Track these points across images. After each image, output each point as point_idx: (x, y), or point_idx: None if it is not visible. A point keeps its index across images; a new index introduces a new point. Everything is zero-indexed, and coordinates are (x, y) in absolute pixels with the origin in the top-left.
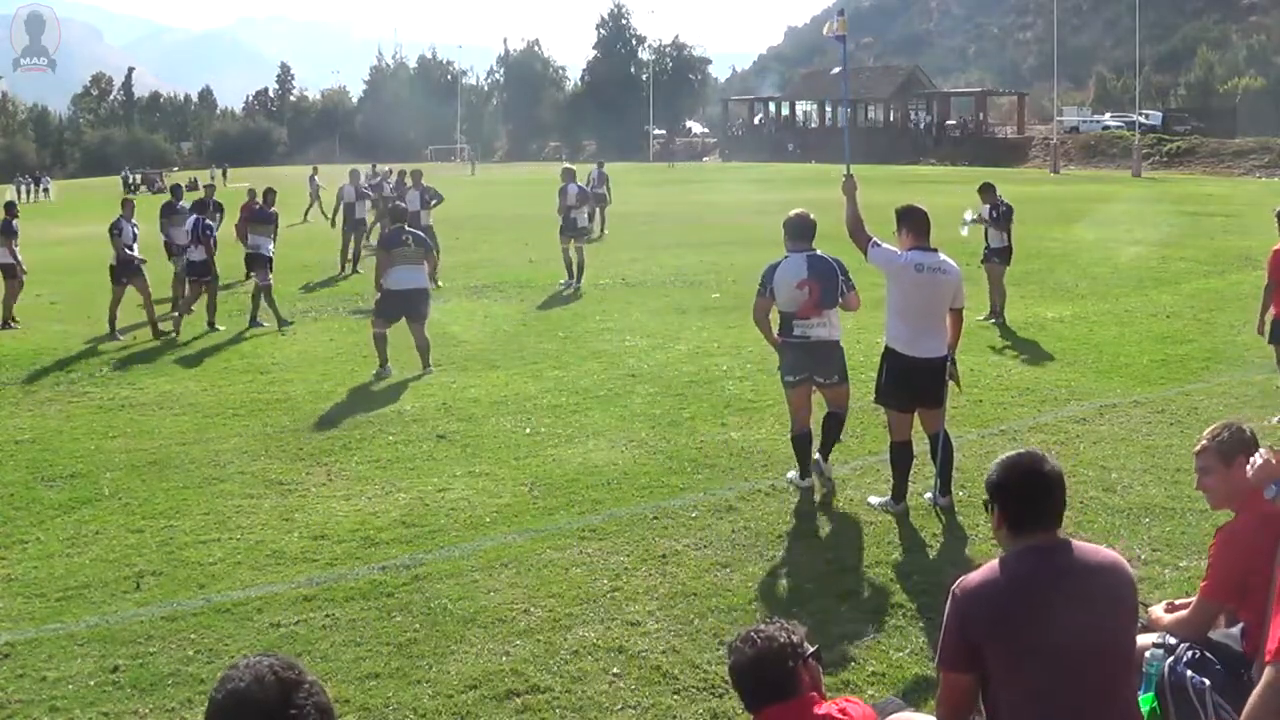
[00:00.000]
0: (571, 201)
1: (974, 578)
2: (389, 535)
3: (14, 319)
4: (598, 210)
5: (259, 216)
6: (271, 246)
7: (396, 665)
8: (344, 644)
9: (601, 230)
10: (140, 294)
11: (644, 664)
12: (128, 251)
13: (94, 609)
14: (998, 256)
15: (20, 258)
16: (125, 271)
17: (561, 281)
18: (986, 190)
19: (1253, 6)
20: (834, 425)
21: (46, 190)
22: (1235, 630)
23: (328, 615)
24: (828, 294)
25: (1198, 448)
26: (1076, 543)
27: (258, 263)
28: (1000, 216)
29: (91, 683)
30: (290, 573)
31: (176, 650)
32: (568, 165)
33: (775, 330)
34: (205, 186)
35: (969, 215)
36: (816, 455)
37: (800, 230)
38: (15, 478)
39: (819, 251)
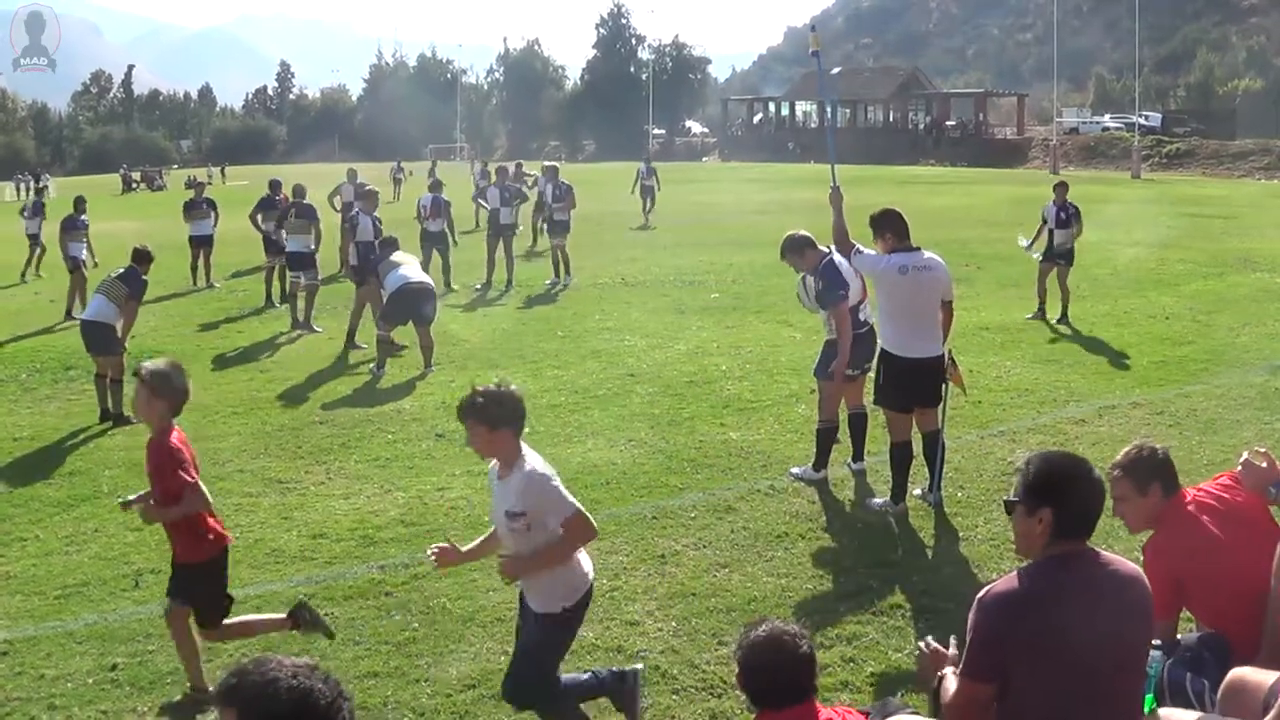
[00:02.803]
0: (549, 199)
1: (1002, 587)
2: (388, 534)
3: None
4: (646, 200)
5: (303, 213)
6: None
7: (395, 664)
8: (343, 643)
9: (646, 220)
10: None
11: (643, 664)
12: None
13: (93, 607)
14: (1063, 258)
15: (85, 253)
16: (370, 271)
17: (548, 280)
18: (1061, 188)
19: (1252, 8)
20: (863, 425)
21: (45, 188)
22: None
23: (327, 614)
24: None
25: (1112, 475)
26: (1102, 552)
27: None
28: (1069, 217)
29: (90, 680)
30: (289, 571)
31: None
32: (550, 164)
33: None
34: (197, 184)
35: (1023, 242)
36: (850, 462)
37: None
38: (15, 475)
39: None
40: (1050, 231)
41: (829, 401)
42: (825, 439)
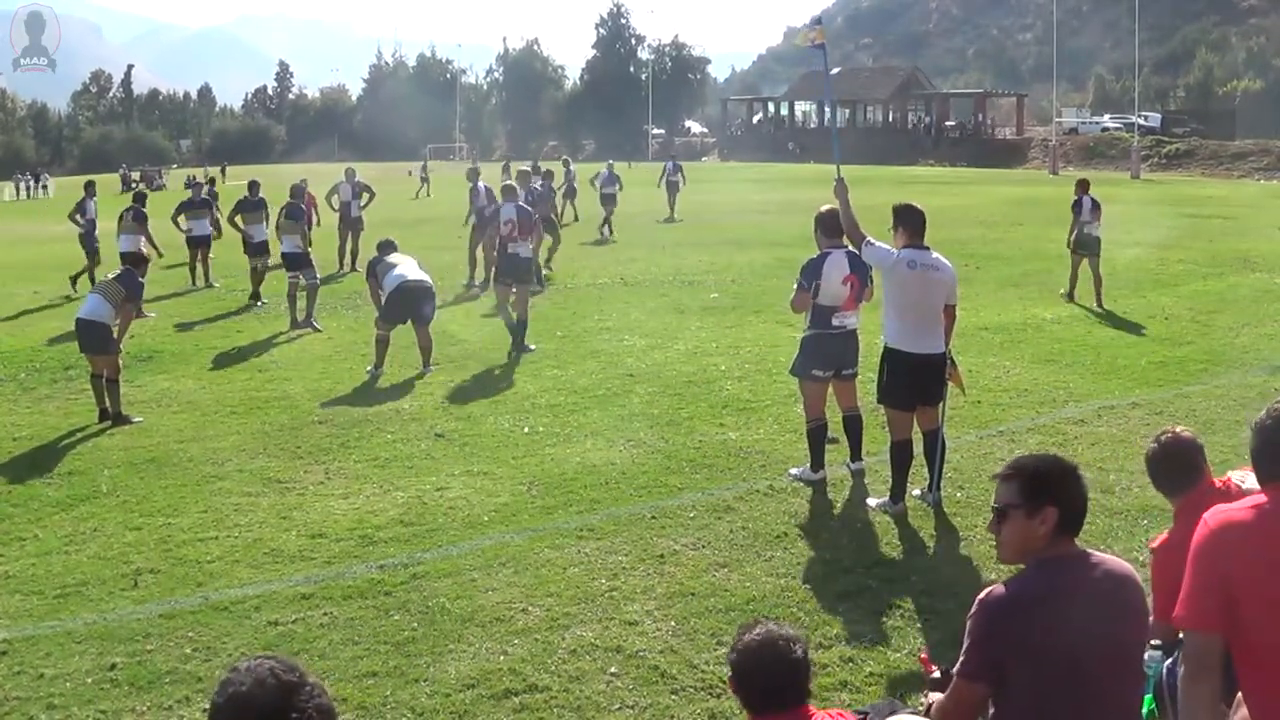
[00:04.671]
0: (510, 228)
1: (1004, 589)
2: (387, 534)
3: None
4: (672, 195)
5: (293, 213)
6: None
7: (394, 664)
8: (342, 642)
9: (673, 215)
10: (518, 303)
11: (641, 664)
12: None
13: (92, 606)
14: (1086, 247)
15: (147, 247)
16: (508, 271)
17: (510, 352)
18: (1082, 185)
19: (1252, 9)
20: (858, 426)
21: (45, 188)
22: None
23: (326, 614)
24: (864, 289)
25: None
26: (1093, 553)
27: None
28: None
29: (89, 680)
30: (288, 571)
31: (174, 648)
32: (523, 169)
33: (807, 324)
34: (197, 184)
35: None
36: (849, 463)
37: (836, 225)
38: (13, 475)
39: (850, 248)
40: (1083, 224)
41: (811, 401)
42: (815, 438)
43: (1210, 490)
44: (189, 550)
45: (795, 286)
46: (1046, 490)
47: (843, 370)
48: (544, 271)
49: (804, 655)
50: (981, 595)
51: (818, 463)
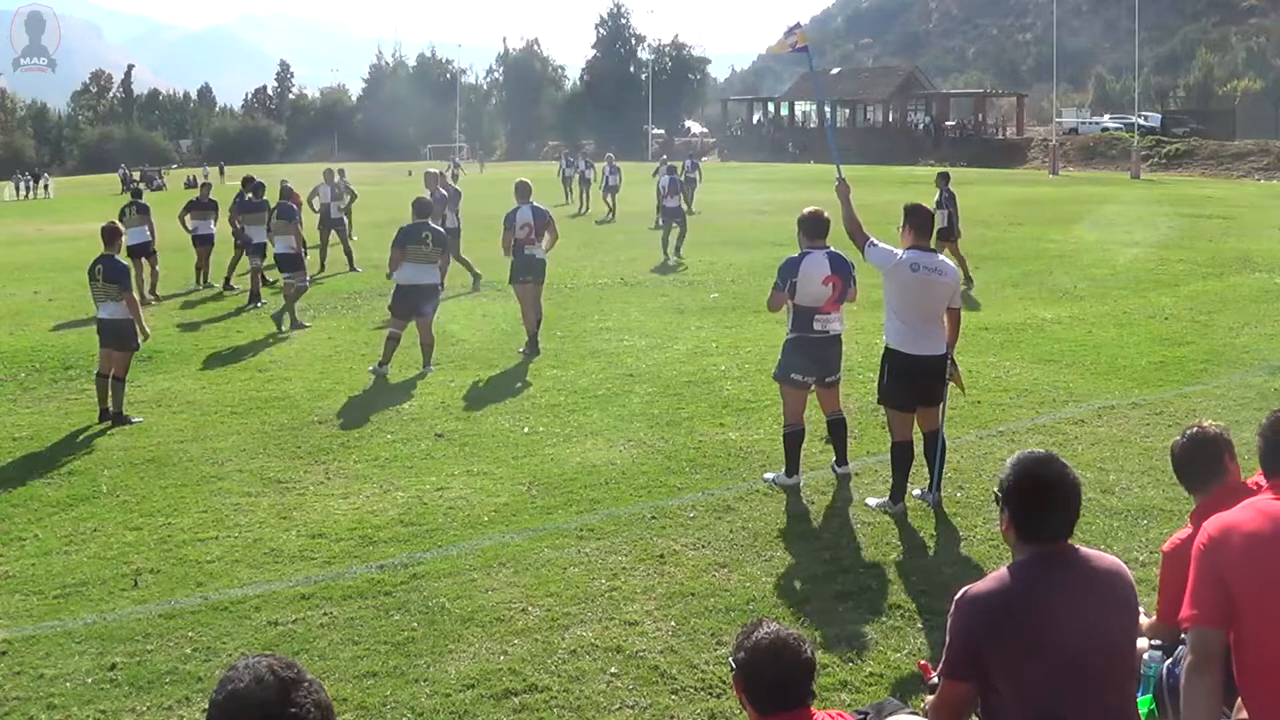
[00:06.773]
0: (527, 232)
1: (980, 586)
2: (387, 534)
3: (155, 296)
4: (689, 191)
5: (285, 213)
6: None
7: (394, 664)
8: (342, 642)
9: (689, 209)
10: (533, 301)
11: (641, 664)
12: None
13: (92, 606)
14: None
15: (149, 236)
16: (525, 270)
17: (521, 349)
18: (945, 176)
19: (1252, 9)
20: (842, 430)
21: (47, 188)
22: None
23: (325, 614)
24: (847, 289)
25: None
26: (1081, 548)
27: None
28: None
29: (89, 680)
30: (288, 571)
31: (174, 648)
32: (431, 171)
33: (789, 327)
34: (202, 184)
35: None
36: (835, 466)
37: (818, 227)
38: (13, 475)
39: (833, 248)
40: (949, 215)
41: (790, 407)
42: (790, 444)
43: (1237, 490)
44: (189, 550)
45: (772, 288)
46: (1005, 493)
47: (825, 378)
48: (676, 258)
49: (811, 655)
50: (957, 595)
51: (793, 468)
